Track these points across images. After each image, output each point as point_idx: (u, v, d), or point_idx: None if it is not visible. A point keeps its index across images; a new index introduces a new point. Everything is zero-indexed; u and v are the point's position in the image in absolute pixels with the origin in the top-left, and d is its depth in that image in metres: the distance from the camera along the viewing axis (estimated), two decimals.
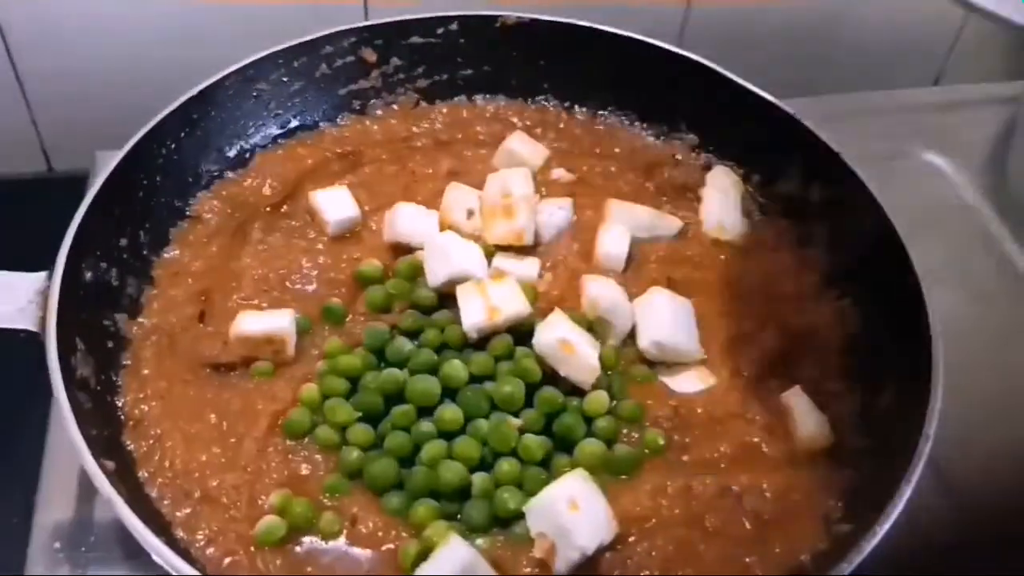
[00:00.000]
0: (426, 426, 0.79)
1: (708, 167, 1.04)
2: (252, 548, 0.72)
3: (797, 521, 0.76)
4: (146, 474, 0.76)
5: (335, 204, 0.94)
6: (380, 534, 0.73)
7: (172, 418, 0.79)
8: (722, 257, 0.96)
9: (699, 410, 0.82)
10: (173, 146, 0.95)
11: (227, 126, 1.00)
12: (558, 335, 0.81)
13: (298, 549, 0.73)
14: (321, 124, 1.05)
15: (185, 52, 0.98)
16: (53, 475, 0.86)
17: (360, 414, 0.80)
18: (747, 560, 0.73)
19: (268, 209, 0.97)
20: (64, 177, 0.93)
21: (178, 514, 0.74)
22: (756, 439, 0.80)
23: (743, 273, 0.95)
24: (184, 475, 0.76)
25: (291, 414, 0.79)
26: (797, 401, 0.83)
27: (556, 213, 0.95)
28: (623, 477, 0.78)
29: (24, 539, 0.83)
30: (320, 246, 0.93)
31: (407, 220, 0.92)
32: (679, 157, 1.05)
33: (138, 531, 0.67)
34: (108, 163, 0.88)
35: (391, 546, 0.73)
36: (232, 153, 1.00)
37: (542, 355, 0.81)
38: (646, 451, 0.80)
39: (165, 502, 0.75)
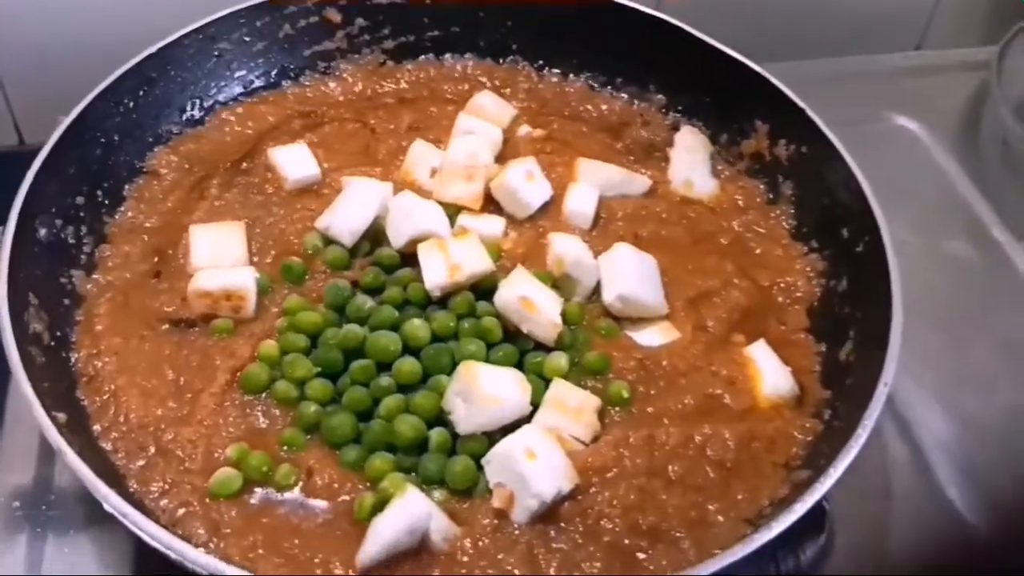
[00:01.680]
0: (385, 381, 0.78)
1: (676, 127, 1.03)
2: (207, 500, 0.72)
3: (759, 469, 0.76)
4: (100, 428, 0.76)
5: (294, 162, 0.93)
6: (336, 486, 0.73)
7: (127, 373, 0.78)
8: (690, 215, 0.96)
9: (664, 363, 0.82)
10: (131, 104, 0.93)
11: (188, 86, 0.98)
12: (519, 293, 0.80)
13: (253, 500, 0.73)
14: (283, 83, 1.04)
15: (163, 20, 0.96)
16: (13, 435, 0.85)
17: (319, 369, 0.79)
18: (710, 507, 0.73)
19: (227, 166, 0.95)
20: (36, 150, 0.93)
21: (132, 467, 0.73)
22: (719, 391, 0.80)
23: (710, 231, 0.95)
24: (139, 429, 0.75)
25: (248, 369, 0.79)
26: (761, 354, 0.83)
27: (538, 190, 0.93)
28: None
29: None
30: (276, 203, 0.92)
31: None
32: (647, 118, 1.04)
33: (88, 480, 0.66)
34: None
35: (347, 498, 0.73)
36: (193, 112, 0.99)
37: (503, 313, 0.81)
38: (610, 405, 0.79)
39: (119, 455, 0.74)
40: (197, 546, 0.67)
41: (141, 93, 0.94)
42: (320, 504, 0.73)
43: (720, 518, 0.73)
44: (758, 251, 0.93)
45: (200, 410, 0.76)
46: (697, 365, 0.82)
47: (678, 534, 0.71)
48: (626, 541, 0.70)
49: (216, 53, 1.00)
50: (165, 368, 0.79)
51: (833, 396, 0.81)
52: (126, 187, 0.93)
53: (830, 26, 1.35)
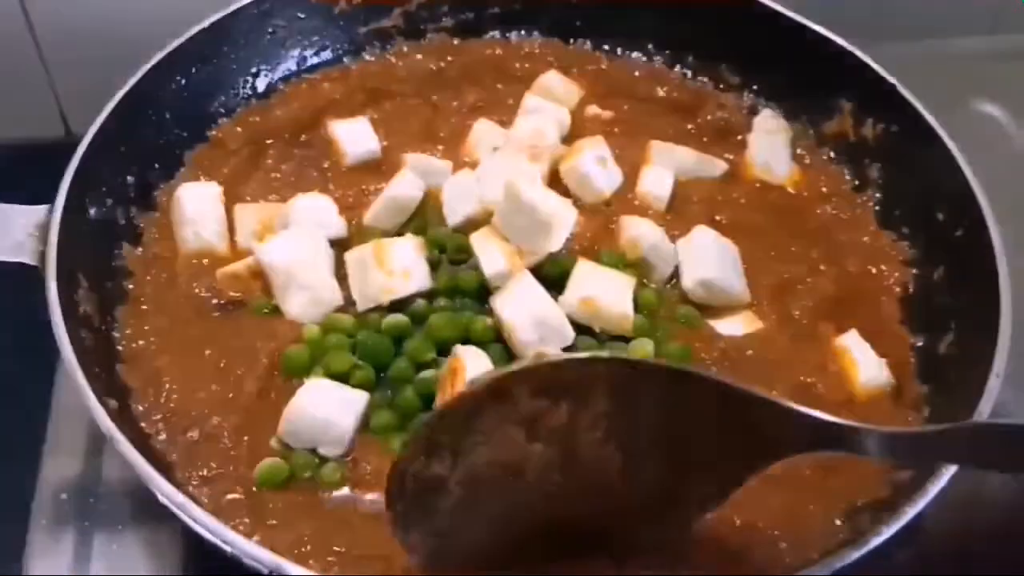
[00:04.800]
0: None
1: (753, 110, 0.97)
2: (253, 489, 0.68)
3: (857, 467, 0.69)
4: (142, 410, 0.72)
5: (354, 136, 0.90)
6: (385, 473, 0.67)
7: (170, 354, 0.75)
8: (770, 199, 0.90)
9: (749, 353, 0.76)
10: (183, 82, 0.90)
11: (241, 63, 0.95)
12: (579, 295, 0.75)
13: (301, 489, 0.69)
14: (345, 59, 1.00)
15: (213, 8, 0.93)
16: (61, 424, 0.82)
17: (358, 361, 0.74)
18: (811, 508, 0.68)
19: (286, 137, 0.92)
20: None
21: (175, 452, 0.70)
22: (810, 381, 0.75)
23: (793, 216, 0.89)
24: (182, 413, 0.72)
25: (289, 350, 0.74)
26: (854, 345, 0.77)
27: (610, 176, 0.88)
28: None
29: (30, 489, 0.78)
30: (332, 178, 0.88)
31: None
32: (721, 100, 0.98)
33: (144, 472, 0.62)
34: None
35: None
36: (246, 91, 0.96)
37: (572, 316, 0.75)
38: None
39: (161, 439, 0.70)
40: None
41: (193, 71, 0.91)
42: (371, 495, 0.68)
43: (818, 519, 0.67)
44: (844, 238, 0.87)
45: (243, 395, 0.72)
46: (785, 356, 0.76)
47: (775, 533, 0.66)
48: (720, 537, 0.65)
49: (270, 30, 0.96)
50: (207, 350, 0.75)
51: (933, 391, 0.75)
52: (185, 154, 0.90)
53: (899, 8, 1.29)
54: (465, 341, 0.74)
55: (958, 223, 0.81)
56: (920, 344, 0.79)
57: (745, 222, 0.87)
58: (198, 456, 0.69)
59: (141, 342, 0.76)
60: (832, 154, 0.94)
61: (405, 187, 0.83)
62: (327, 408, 0.70)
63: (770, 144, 0.93)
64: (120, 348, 0.76)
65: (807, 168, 0.93)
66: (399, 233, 0.83)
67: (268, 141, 0.92)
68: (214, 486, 0.68)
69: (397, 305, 0.77)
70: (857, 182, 0.92)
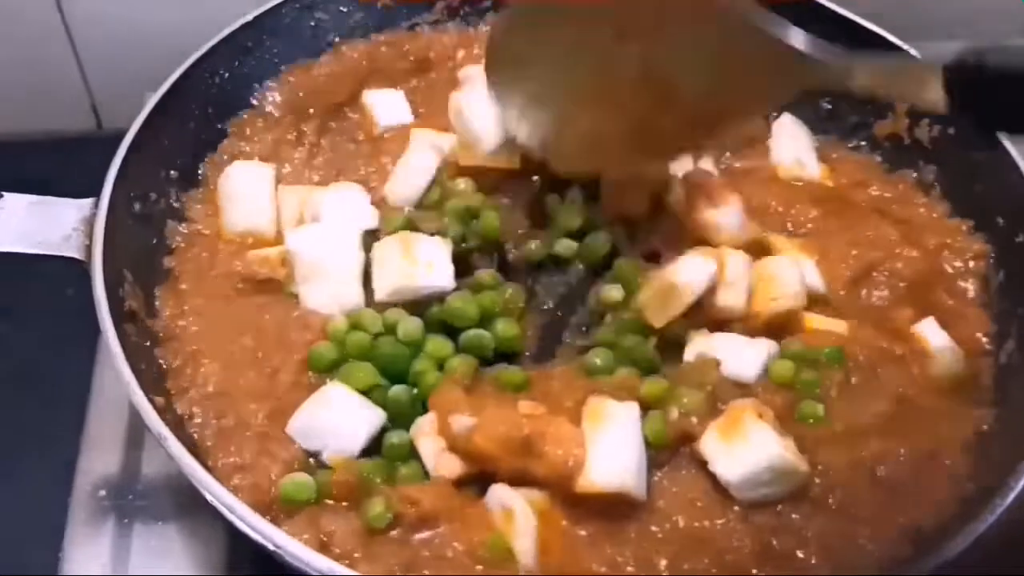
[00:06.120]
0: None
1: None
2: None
3: (929, 483, 0.67)
4: (178, 391, 0.71)
5: (388, 107, 0.90)
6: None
7: (209, 338, 0.74)
8: (818, 195, 0.88)
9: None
10: (226, 75, 0.89)
11: (283, 56, 0.93)
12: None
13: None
14: (401, 22, 0.99)
15: (246, 7, 0.93)
16: (99, 420, 0.81)
17: (382, 380, 0.73)
18: (861, 541, 0.65)
19: (328, 108, 0.92)
20: (114, 134, 0.90)
21: (211, 439, 0.69)
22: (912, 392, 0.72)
23: (842, 204, 0.87)
24: (218, 397, 0.70)
25: (315, 348, 0.73)
26: (931, 332, 0.75)
27: None
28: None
29: (67, 487, 0.78)
30: (364, 152, 0.88)
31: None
32: None
33: (191, 470, 0.61)
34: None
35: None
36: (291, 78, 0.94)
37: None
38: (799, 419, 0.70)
39: (197, 422, 0.70)
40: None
41: (236, 63, 0.90)
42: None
43: (871, 548, 0.64)
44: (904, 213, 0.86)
45: (279, 387, 0.71)
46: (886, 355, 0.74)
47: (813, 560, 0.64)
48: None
49: (312, 23, 0.95)
50: (244, 335, 0.74)
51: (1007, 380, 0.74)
52: (228, 121, 0.89)
53: (932, 8, 1.27)
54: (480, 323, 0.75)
55: (1020, 228, 0.79)
56: (996, 329, 0.77)
57: (809, 216, 0.85)
58: (240, 447, 0.68)
59: (181, 323, 0.75)
60: (887, 155, 0.92)
61: (418, 160, 0.83)
62: (345, 415, 0.69)
63: (794, 145, 0.92)
64: (159, 332, 0.75)
65: (835, 163, 0.91)
66: (419, 205, 0.82)
67: (309, 111, 0.91)
68: (251, 477, 0.66)
69: (416, 310, 0.75)
70: (925, 185, 0.89)
